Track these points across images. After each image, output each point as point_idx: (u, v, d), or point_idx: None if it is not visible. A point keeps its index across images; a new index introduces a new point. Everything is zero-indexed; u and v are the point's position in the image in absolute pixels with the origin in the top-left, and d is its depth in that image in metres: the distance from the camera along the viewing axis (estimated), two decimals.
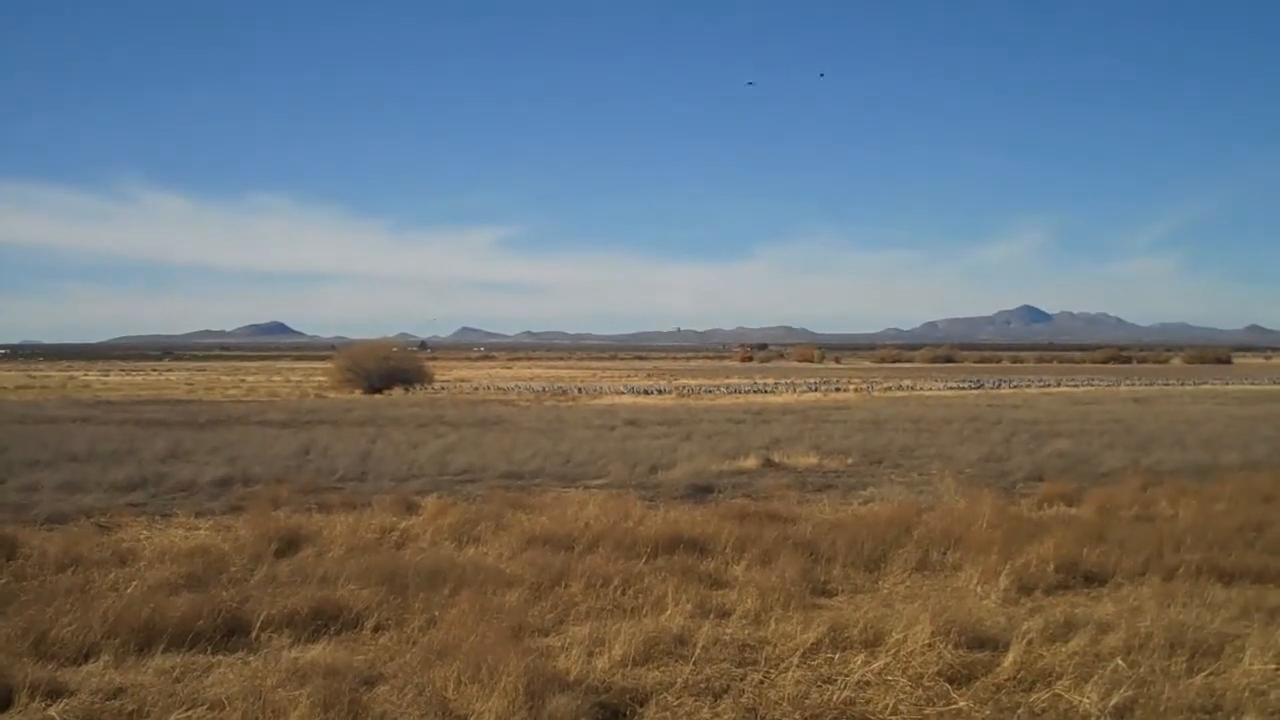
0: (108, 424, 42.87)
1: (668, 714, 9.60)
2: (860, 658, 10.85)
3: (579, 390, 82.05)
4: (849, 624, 11.89)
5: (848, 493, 23.89)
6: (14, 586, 13.67)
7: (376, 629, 12.24)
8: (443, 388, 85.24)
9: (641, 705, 9.77)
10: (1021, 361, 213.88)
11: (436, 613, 12.51)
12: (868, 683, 10.24)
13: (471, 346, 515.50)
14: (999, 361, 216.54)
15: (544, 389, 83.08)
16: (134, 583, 13.55)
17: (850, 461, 29.88)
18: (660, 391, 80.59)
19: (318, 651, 11.25)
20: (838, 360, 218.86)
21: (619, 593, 13.74)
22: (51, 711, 9.20)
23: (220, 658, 11.10)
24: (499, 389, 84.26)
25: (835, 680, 10.31)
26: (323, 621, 12.29)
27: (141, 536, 17.95)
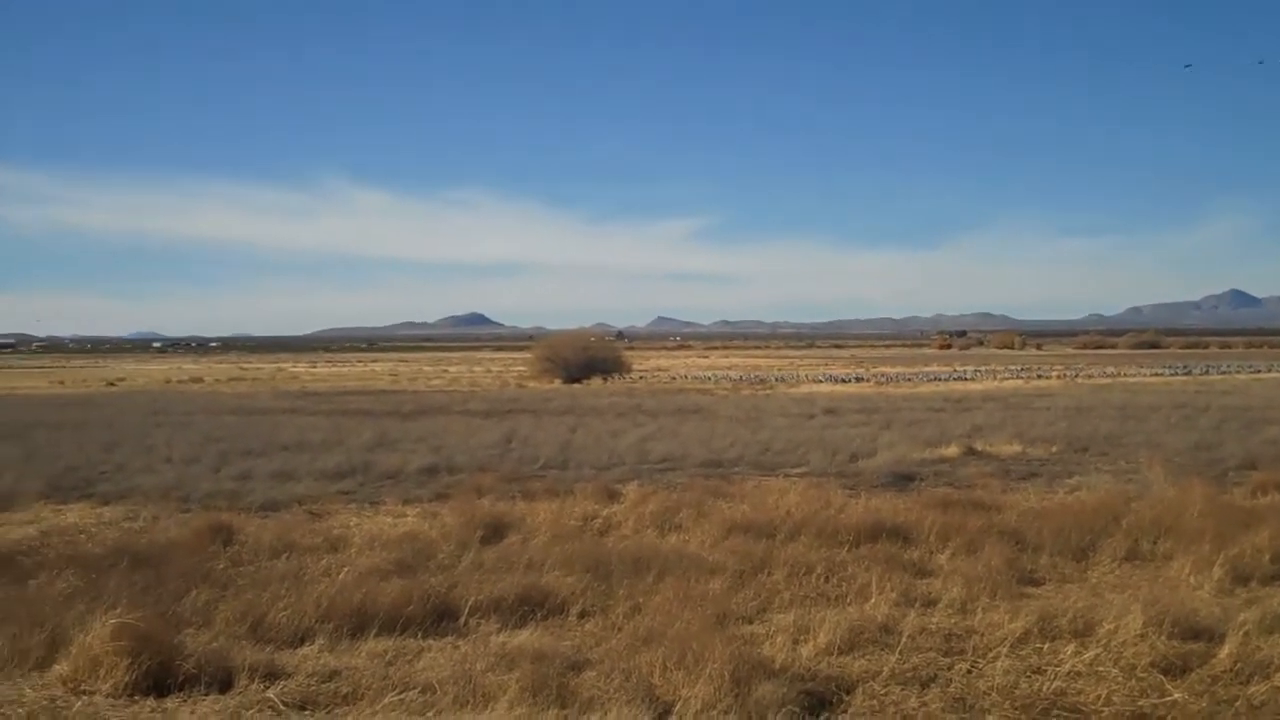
0: (316, 414, 44.48)
1: (874, 702, 9.62)
2: (1070, 648, 10.69)
3: (776, 379, 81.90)
4: (1058, 614, 11.74)
5: (1052, 481, 23.44)
6: (232, 571, 14.41)
7: (582, 615, 12.52)
8: (640, 377, 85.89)
9: (848, 693, 9.80)
10: (1230, 347, 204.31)
11: (640, 599, 12.74)
12: (1078, 673, 10.10)
13: (667, 336, 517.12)
14: (1206, 347, 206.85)
15: (741, 378, 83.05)
16: (345, 569, 14.11)
17: (1054, 449, 29.26)
18: (858, 379, 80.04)
19: (525, 637, 11.54)
20: (1038, 347, 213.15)
21: (822, 581, 13.75)
22: (270, 693, 9.66)
23: (430, 642, 11.49)
24: (696, 378, 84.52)
25: (1045, 670, 10.20)
26: (529, 607, 12.61)
27: (351, 524, 18.67)
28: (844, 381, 77.58)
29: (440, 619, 12.24)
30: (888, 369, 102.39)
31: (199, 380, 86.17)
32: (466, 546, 15.93)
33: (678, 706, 9.33)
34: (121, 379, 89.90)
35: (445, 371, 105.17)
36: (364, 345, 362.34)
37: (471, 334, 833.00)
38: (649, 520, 18.14)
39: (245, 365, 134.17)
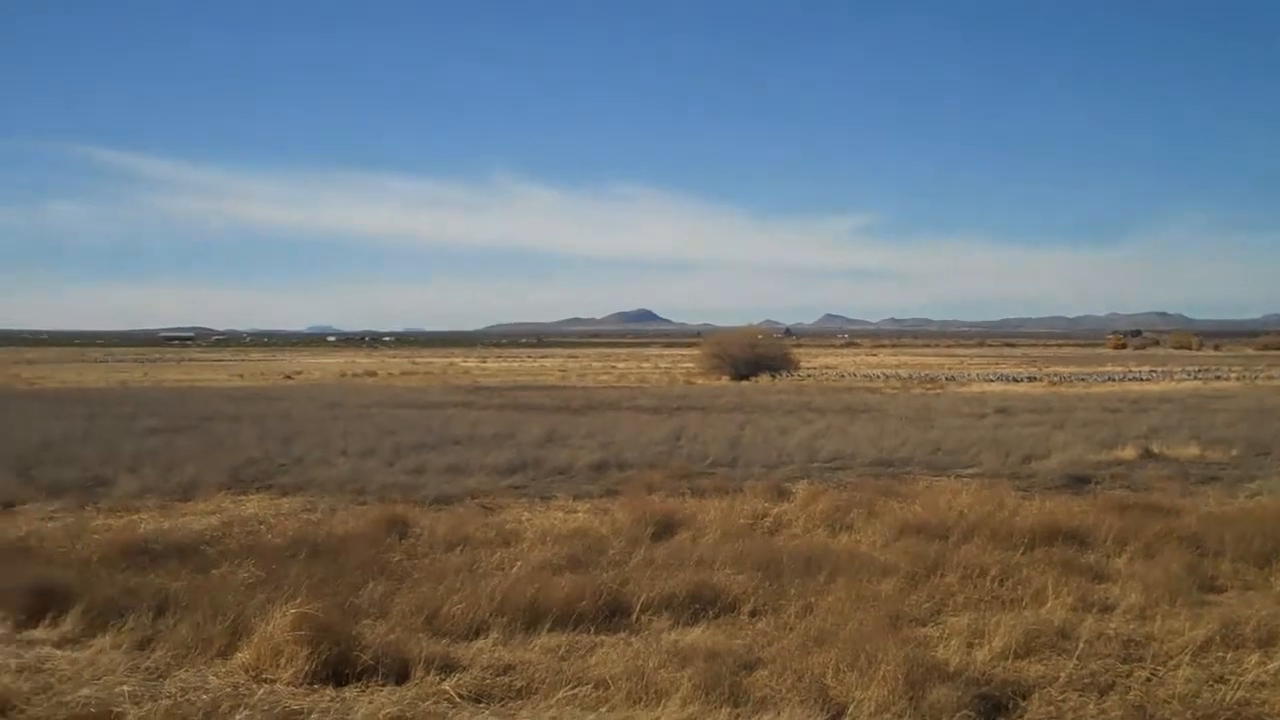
0: (487, 409, 45.11)
1: (1051, 708, 9.41)
2: (1254, 657, 10.37)
3: (946, 377, 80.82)
4: (1241, 622, 11.37)
5: (1232, 485, 22.68)
6: (407, 564, 14.63)
7: (753, 614, 12.47)
8: (808, 375, 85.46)
9: (1024, 699, 9.63)
10: None
11: (812, 599, 12.64)
12: (1263, 684, 9.76)
13: (835, 333, 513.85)
14: None
15: (910, 376, 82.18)
16: (518, 563, 14.24)
17: (1234, 453, 28.27)
18: (1030, 379, 78.58)
19: (697, 634, 11.54)
20: (1216, 347, 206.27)
21: (996, 584, 13.55)
22: (446, 685, 9.78)
23: (603, 638, 11.52)
24: (865, 376, 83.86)
25: (1228, 680, 9.88)
26: (700, 605, 12.60)
27: (523, 518, 18.85)
28: (1016, 381, 76.35)
29: (612, 615, 12.28)
30: (1061, 368, 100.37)
31: (373, 374, 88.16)
32: (637, 543, 15.98)
33: (851, 708, 9.26)
34: (298, 372, 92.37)
35: (613, 367, 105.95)
36: (533, 340, 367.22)
37: (639, 330, 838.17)
38: (819, 519, 18.05)
39: (418, 359, 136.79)
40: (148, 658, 10.55)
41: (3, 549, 15.06)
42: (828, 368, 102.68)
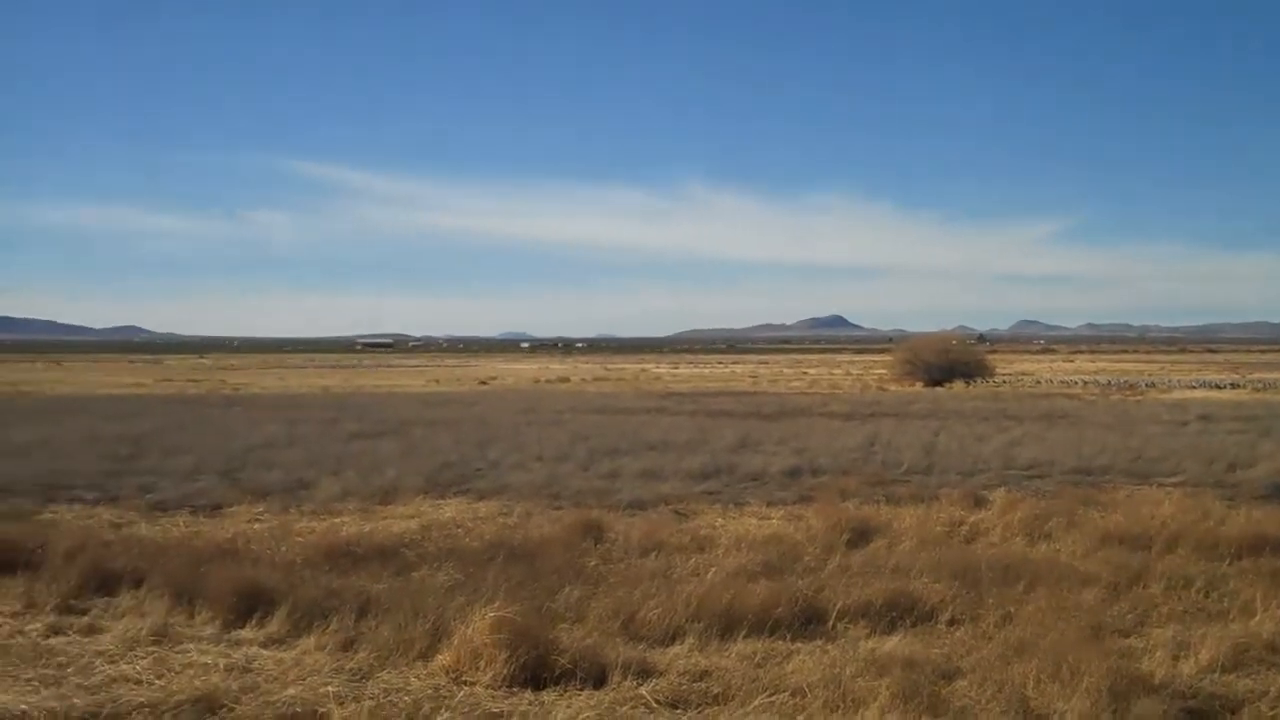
0: (679, 415, 45.26)
1: None
2: None
3: (1146, 384, 78.54)
4: None
5: None
6: (603, 568, 14.74)
7: (951, 623, 12.30)
8: (1003, 381, 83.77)
9: (1233, 714, 9.37)
10: None
11: (1011, 608, 12.44)
12: None
13: (1030, 339, 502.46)
14: None
15: (1109, 382, 79.98)
16: (713, 569, 14.24)
17: None
18: (1233, 385, 75.83)
19: (894, 643, 11.40)
20: None
21: (1202, 595, 13.24)
22: (643, 690, 9.82)
23: (799, 645, 11.46)
24: (1061, 382, 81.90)
25: None
26: (897, 613, 12.47)
27: (717, 524, 18.87)
28: (1218, 387, 73.73)
29: (808, 622, 12.23)
30: (1265, 375, 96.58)
31: (566, 380, 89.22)
32: (832, 550, 15.90)
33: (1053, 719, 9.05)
34: (493, 378, 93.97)
35: (805, 374, 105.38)
36: (724, 347, 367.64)
37: (830, 336, 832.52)
38: (1017, 528, 17.80)
39: (610, 365, 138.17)
40: (351, 659, 10.81)
41: (211, 551, 15.53)
42: (1023, 374, 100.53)
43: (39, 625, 12.21)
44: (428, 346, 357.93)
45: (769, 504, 21.26)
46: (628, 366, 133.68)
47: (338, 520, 19.16)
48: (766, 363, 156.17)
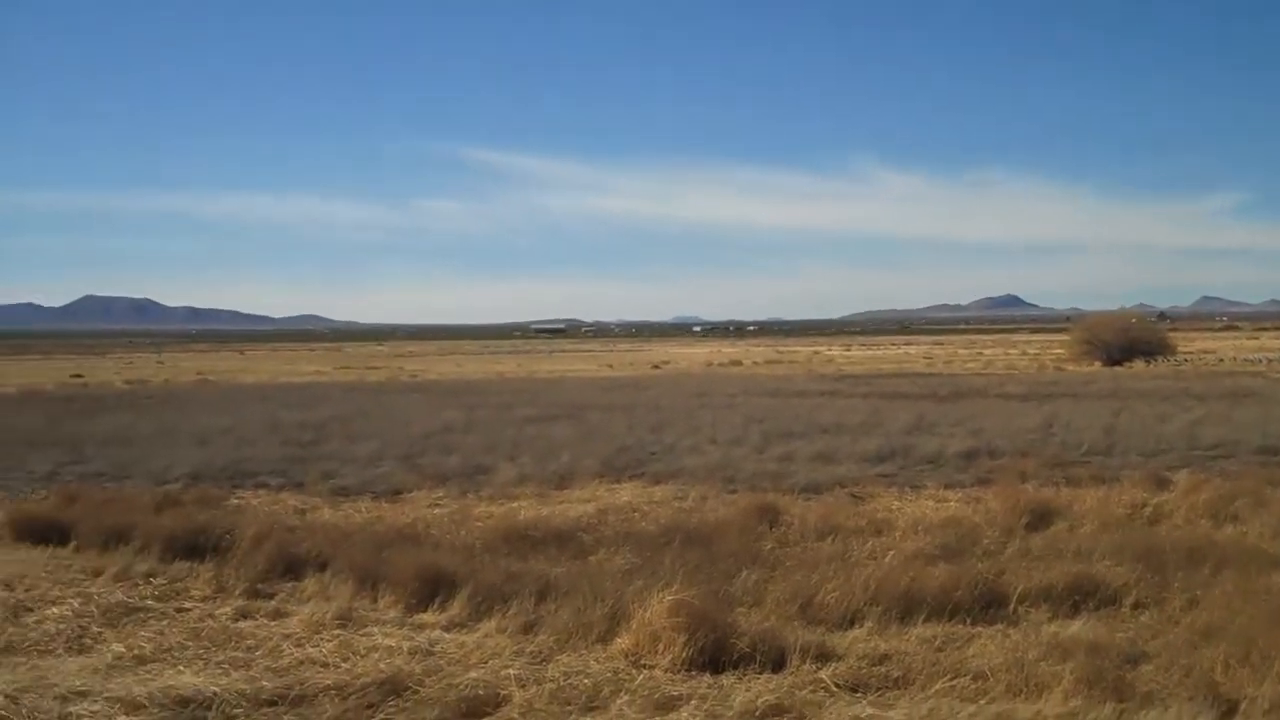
0: (852, 397, 44.95)
1: None
2: None
3: None
4: None
5: None
6: (779, 552, 14.70)
7: (1135, 606, 12.02)
8: (1185, 359, 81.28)
9: None
10: None
11: (1198, 592, 12.11)
12: None
13: (1212, 316, 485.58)
14: None
15: None
16: (890, 552, 14.11)
17: None
18: None
19: (1077, 627, 11.19)
20: None
21: None
22: (821, 674, 9.75)
23: (979, 629, 11.29)
24: (1246, 360, 79.16)
25: None
26: (1079, 596, 12.23)
27: (893, 507, 18.69)
28: None
29: (988, 606, 12.03)
30: None
31: (738, 363, 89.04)
32: (1012, 533, 15.69)
33: (1243, 705, 8.83)
34: (665, 362, 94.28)
35: (980, 354, 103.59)
36: (897, 328, 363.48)
37: (1005, 316, 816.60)
38: (1202, 509, 17.35)
39: (782, 348, 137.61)
40: (531, 642, 10.94)
41: (392, 535, 15.87)
42: (1205, 352, 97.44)
43: (228, 609, 12.57)
44: (600, 331, 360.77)
45: (946, 486, 21.01)
46: (800, 349, 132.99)
47: (515, 504, 19.41)
48: (941, 344, 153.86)
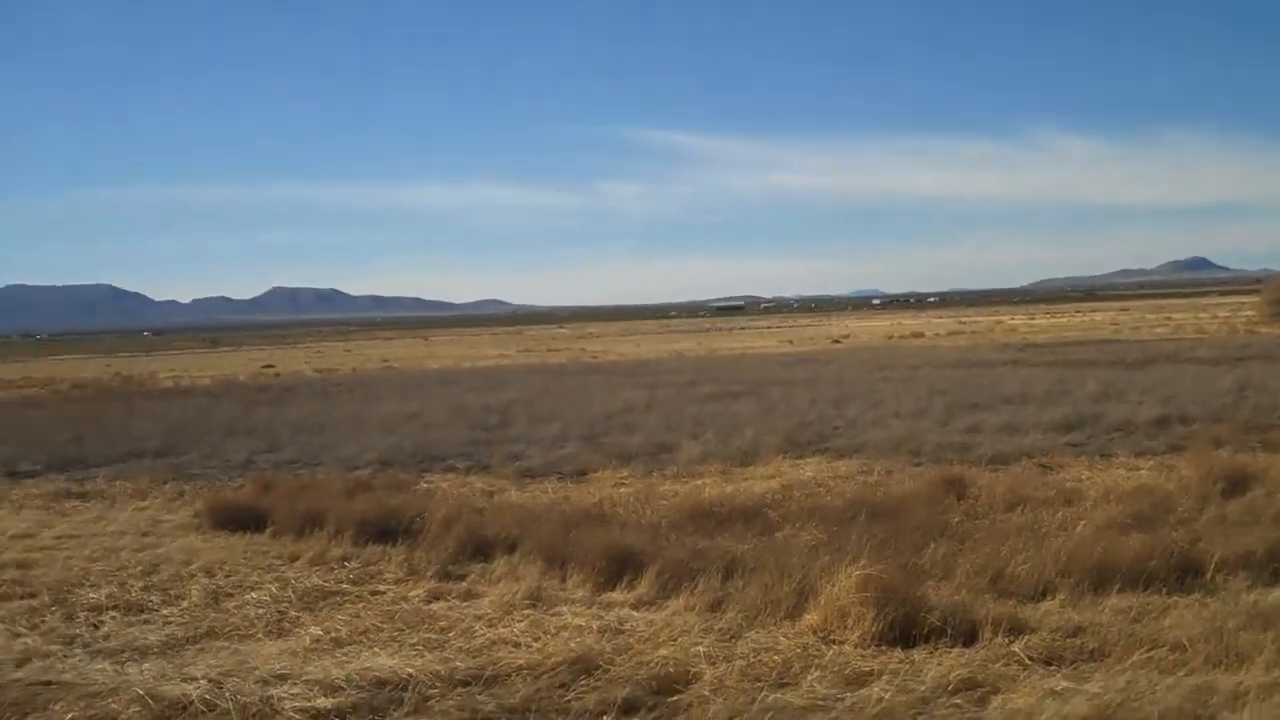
0: (1037, 366, 44.01)
1: None
2: None
3: None
4: None
5: None
6: (967, 525, 14.50)
7: None
8: None
9: None
10: None
11: None
12: None
13: None
14: None
15: None
16: (1081, 522, 13.84)
17: None
18: None
19: (1278, 595, 10.87)
20: None
21: None
22: (1014, 647, 9.63)
23: (1175, 599, 11.03)
24: None
25: None
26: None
27: (1083, 476, 18.31)
28: None
29: (1184, 574, 11.74)
30: None
31: (919, 335, 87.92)
32: (1206, 500, 15.23)
33: None
34: (845, 336, 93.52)
35: (1169, 319, 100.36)
36: (1080, 294, 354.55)
37: (1193, 279, 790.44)
38: None
39: (963, 319, 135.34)
40: (719, 619, 10.99)
41: (579, 515, 15.99)
42: None
43: (420, 591, 12.87)
44: (778, 307, 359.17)
45: (1137, 454, 20.53)
46: (981, 319, 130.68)
47: (699, 482, 19.47)
48: (1127, 309, 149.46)
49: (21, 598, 13.23)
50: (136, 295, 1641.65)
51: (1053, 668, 9.25)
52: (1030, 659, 9.39)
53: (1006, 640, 9.80)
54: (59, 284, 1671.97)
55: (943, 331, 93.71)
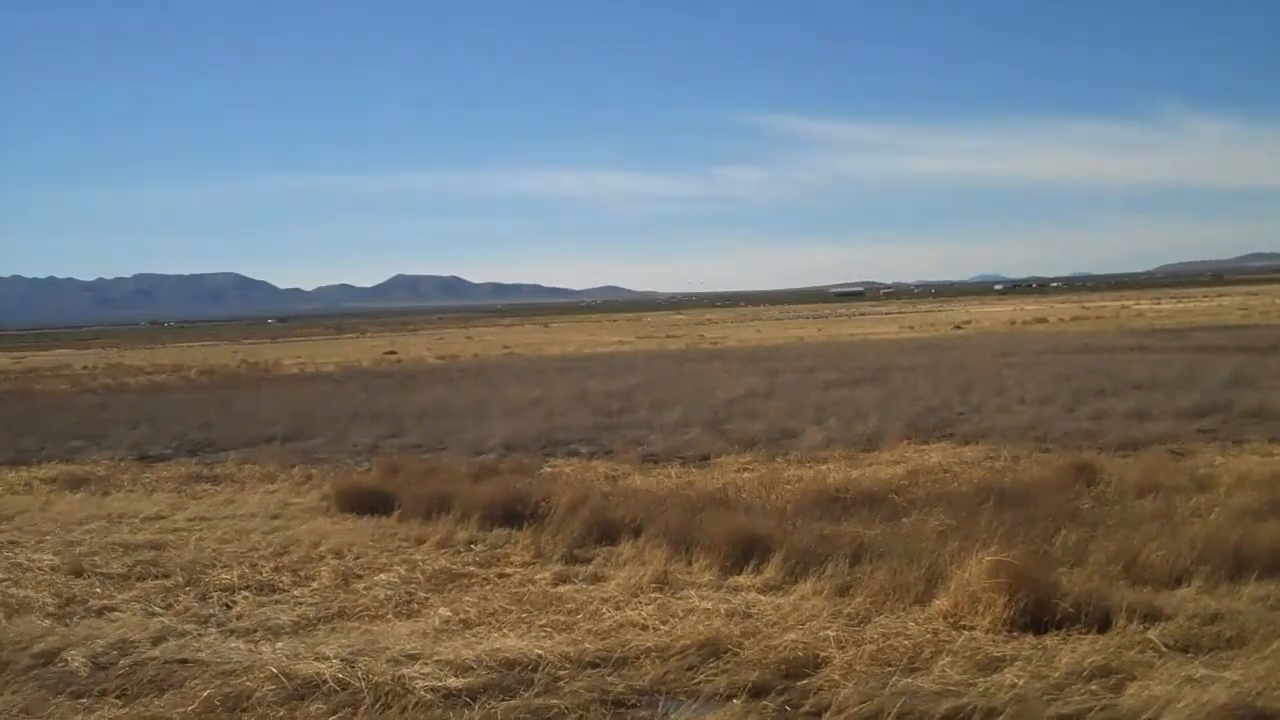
0: (1165, 352, 43.09)
1: None
2: None
3: None
4: None
5: None
6: (1098, 511, 14.26)
7: None
8: None
9: None
10: None
11: None
12: None
13: None
14: None
15: None
16: (1216, 509, 13.55)
17: None
18: None
19: None
20: None
21: None
22: (1150, 634, 9.44)
23: None
24: None
25: None
26: None
27: (1216, 463, 17.88)
28: None
29: None
30: None
31: (1042, 320, 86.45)
32: None
33: None
34: (967, 321, 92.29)
35: None
36: (1208, 278, 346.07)
37: None
38: None
39: (1087, 304, 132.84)
40: (848, 604, 10.90)
41: (703, 500, 15.98)
42: None
43: (547, 574, 12.94)
44: (898, 293, 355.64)
45: (1272, 440, 20.06)
46: (1106, 304, 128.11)
47: (823, 468, 19.37)
48: (1255, 293, 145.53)
49: (156, 578, 13.55)
50: (261, 283, 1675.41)
51: (1189, 655, 9.07)
52: (1166, 646, 9.21)
53: (1141, 627, 9.61)
54: (186, 272, 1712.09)
55: (1066, 317, 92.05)
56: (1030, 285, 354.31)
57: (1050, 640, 9.54)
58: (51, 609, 12.15)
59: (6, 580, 13.51)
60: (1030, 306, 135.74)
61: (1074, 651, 9.13)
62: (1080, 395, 27.68)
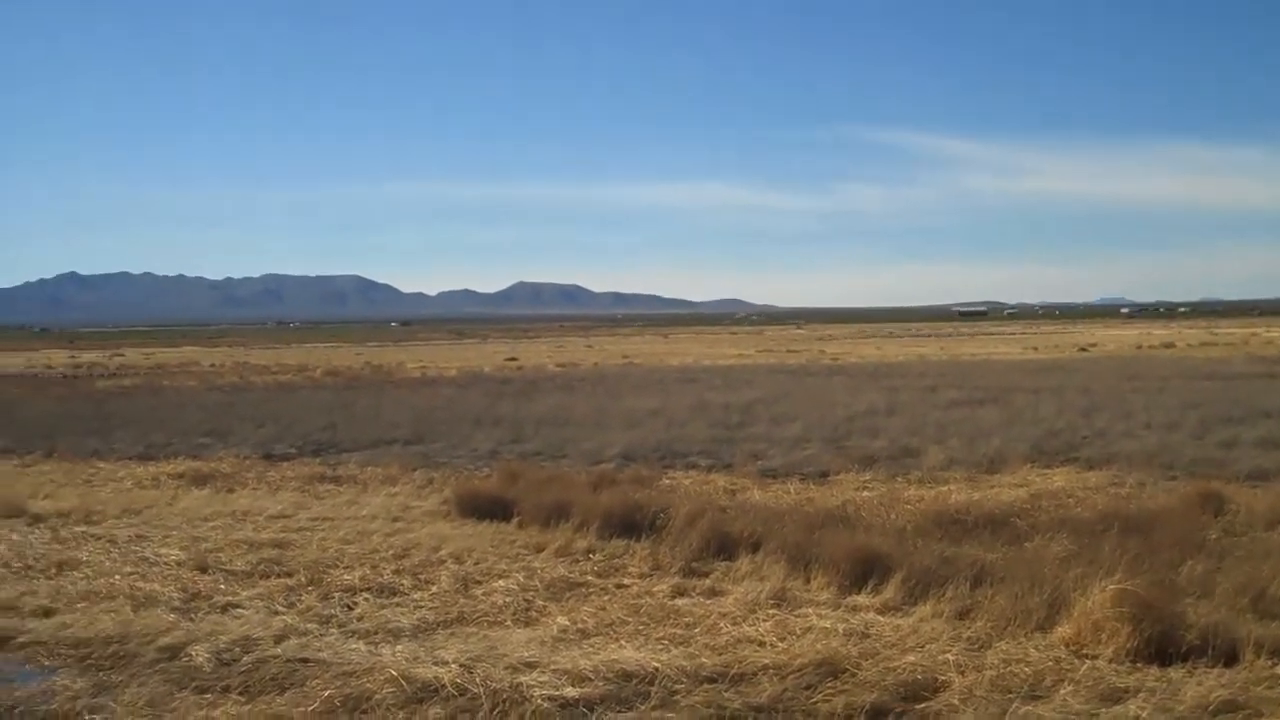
0: None
1: None
2: None
3: None
4: None
5: None
6: (1226, 541, 13.90)
7: None
8: None
9: None
10: None
11: None
12: None
13: None
14: None
15: None
16: None
17: None
18: None
19: None
20: None
21: None
22: (1279, 669, 9.17)
23: None
24: None
25: None
26: None
27: None
28: None
29: None
30: None
31: (1170, 345, 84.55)
32: None
33: None
34: (1092, 344, 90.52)
35: None
36: None
37: None
38: None
39: (1216, 330, 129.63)
40: (968, 628, 10.76)
41: (822, 517, 15.85)
42: None
43: (665, 586, 12.92)
44: (1022, 313, 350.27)
45: None
46: (1235, 330, 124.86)
47: (944, 488, 19.12)
48: None
49: (279, 576, 13.78)
50: (385, 286, 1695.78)
51: None
52: None
53: (1270, 662, 9.37)
54: (312, 274, 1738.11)
55: (1194, 342, 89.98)
56: (1157, 309, 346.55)
57: (1175, 673, 9.31)
58: (177, 604, 12.43)
59: (134, 574, 13.84)
60: (1157, 330, 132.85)
61: (1200, 685, 8.90)
62: (1208, 422, 26.98)
